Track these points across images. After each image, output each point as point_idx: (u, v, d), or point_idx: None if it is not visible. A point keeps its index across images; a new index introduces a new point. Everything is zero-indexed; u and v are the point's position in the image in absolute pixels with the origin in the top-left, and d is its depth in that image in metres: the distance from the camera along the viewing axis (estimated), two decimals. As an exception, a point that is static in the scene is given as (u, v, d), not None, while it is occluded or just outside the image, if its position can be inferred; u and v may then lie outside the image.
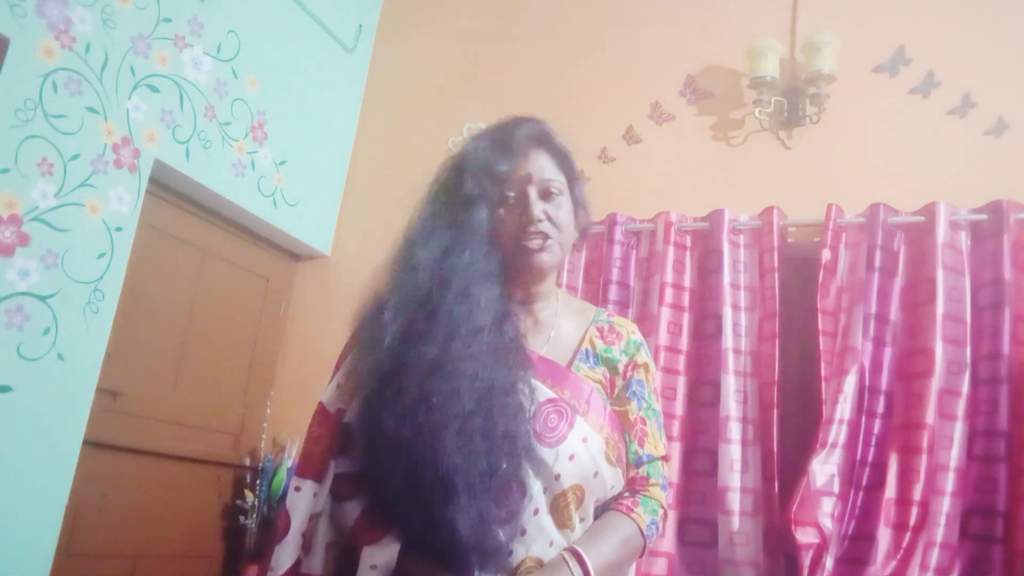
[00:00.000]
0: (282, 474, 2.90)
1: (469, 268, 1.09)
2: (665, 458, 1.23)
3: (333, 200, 3.38)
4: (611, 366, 1.22)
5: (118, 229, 2.41)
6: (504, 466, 1.01)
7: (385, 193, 3.33)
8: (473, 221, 1.13)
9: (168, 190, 2.72)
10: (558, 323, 1.23)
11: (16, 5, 2.12)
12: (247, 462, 3.02)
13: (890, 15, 2.80)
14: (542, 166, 1.18)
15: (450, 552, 0.98)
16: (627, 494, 1.18)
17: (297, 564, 1.08)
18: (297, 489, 1.11)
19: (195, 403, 2.85)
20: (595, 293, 2.74)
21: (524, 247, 1.14)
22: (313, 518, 1.09)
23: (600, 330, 1.25)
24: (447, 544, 0.98)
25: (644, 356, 1.26)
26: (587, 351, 1.22)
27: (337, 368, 1.19)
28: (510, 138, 1.18)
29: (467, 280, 1.08)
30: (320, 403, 1.16)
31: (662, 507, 1.19)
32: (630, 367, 1.23)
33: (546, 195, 1.17)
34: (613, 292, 2.73)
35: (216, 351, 2.94)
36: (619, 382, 1.22)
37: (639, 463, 1.20)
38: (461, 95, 3.34)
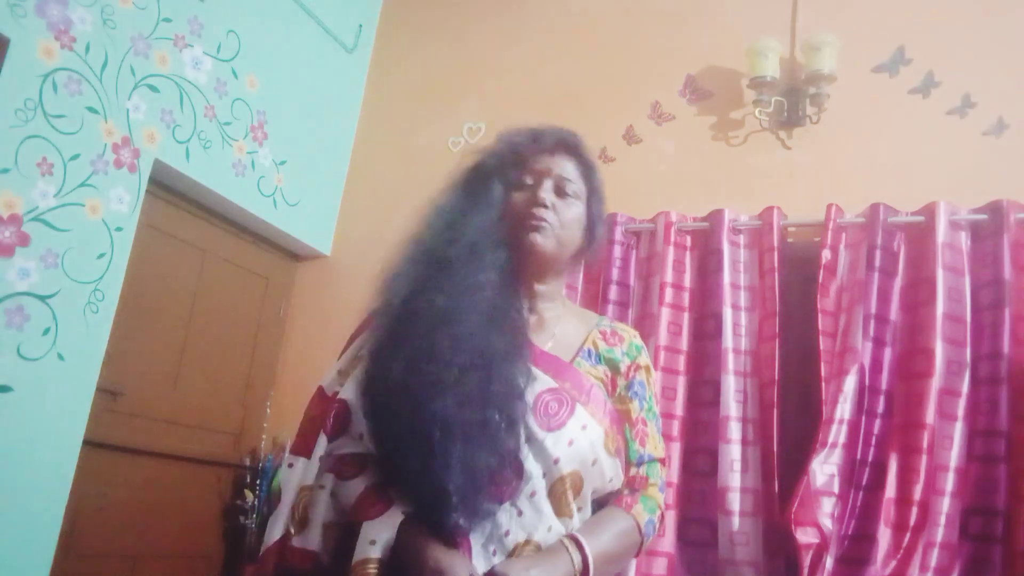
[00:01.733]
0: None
1: (479, 229, 1.15)
2: (663, 461, 1.26)
3: (333, 200, 3.38)
4: (613, 366, 1.25)
5: (118, 229, 2.41)
6: (496, 417, 1.04)
7: (385, 193, 3.34)
8: (490, 193, 1.19)
9: (168, 190, 2.72)
10: (562, 324, 1.26)
11: (16, 5, 2.13)
12: (247, 462, 3.02)
13: (890, 15, 2.80)
14: (564, 166, 1.23)
15: (441, 508, 1.00)
16: (627, 491, 1.20)
17: (286, 536, 1.13)
18: (290, 466, 1.18)
19: (195, 403, 2.85)
20: (595, 293, 2.74)
21: (522, 225, 1.19)
22: (303, 491, 1.14)
23: (603, 333, 1.28)
24: (439, 495, 0.99)
25: (645, 359, 1.30)
26: (589, 350, 1.25)
27: (344, 351, 1.24)
28: (542, 135, 1.25)
29: (475, 239, 1.14)
30: (320, 386, 1.22)
31: (660, 508, 1.21)
32: (632, 368, 1.26)
33: (560, 192, 1.22)
34: (613, 292, 2.73)
35: (216, 351, 2.94)
36: (621, 382, 1.25)
37: (640, 462, 1.22)
38: (461, 95, 3.34)
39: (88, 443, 2.35)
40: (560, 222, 1.20)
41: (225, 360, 3.00)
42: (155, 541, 2.68)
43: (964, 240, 2.45)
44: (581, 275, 2.83)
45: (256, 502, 2.86)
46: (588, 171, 1.27)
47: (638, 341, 1.31)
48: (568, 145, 1.26)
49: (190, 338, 2.82)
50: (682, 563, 2.46)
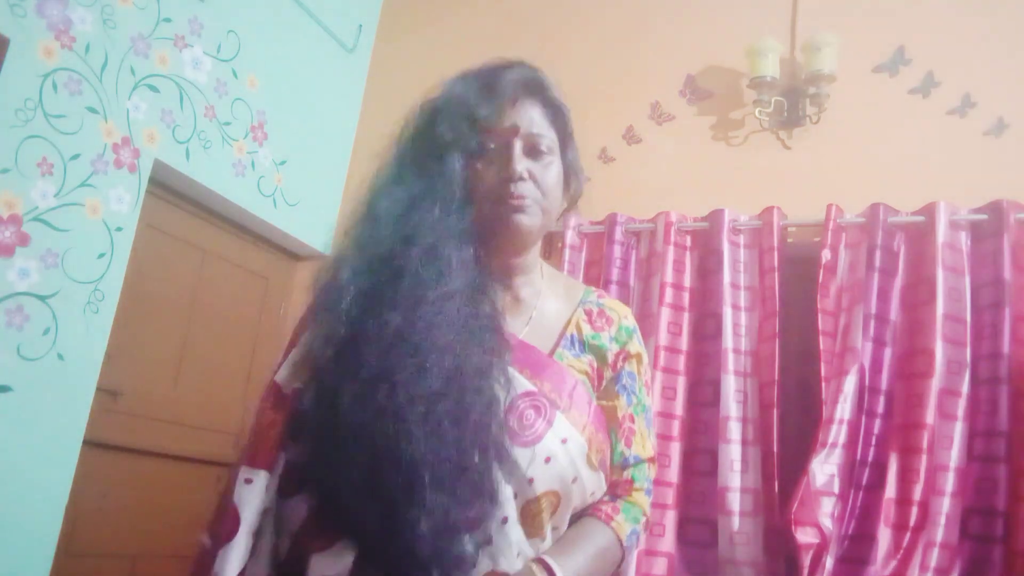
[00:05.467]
0: (282, 474, 2.90)
1: (439, 224, 0.95)
2: (652, 460, 1.11)
3: (333, 200, 3.38)
4: (599, 355, 1.08)
5: (118, 229, 2.41)
6: (476, 460, 0.88)
7: (385, 193, 3.33)
8: (446, 171, 0.99)
9: (168, 190, 2.72)
10: (541, 303, 1.09)
11: (16, 5, 2.12)
12: (247, 462, 3.01)
13: (890, 15, 2.80)
14: (531, 118, 1.03)
15: (409, 561, 0.85)
16: (607, 498, 1.06)
17: (245, 570, 0.91)
18: (248, 481, 0.94)
19: (195, 403, 2.85)
20: (595, 293, 2.75)
21: (500, 206, 0.99)
22: (263, 514, 0.94)
23: (588, 313, 1.11)
24: (406, 551, 0.84)
25: (636, 345, 1.13)
26: (572, 336, 1.08)
27: (293, 342, 1.04)
28: (497, 82, 1.03)
29: (436, 237, 0.94)
30: (273, 382, 1.00)
31: (645, 514, 1.08)
32: (621, 357, 1.10)
33: (533, 152, 1.02)
34: (613, 292, 2.73)
35: (216, 351, 2.94)
36: (607, 373, 1.09)
37: (624, 465, 1.08)
38: (461, 95, 3.33)
39: (88, 443, 2.35)
40: (542, 191, 1.01)
41: (225, 360, 2.99)
42: (155, 541, 2.68)
43: (964, 240, 2.45)
44: (581, 275, 2.83)
45: (256, 502, 2.86)
46: (558, 114, 1.06)
47: (628, 323, 1.13)
48: (532, 87, 1.04)
49: (190, 338, 2.82)
50: (682, 563, 2.46)
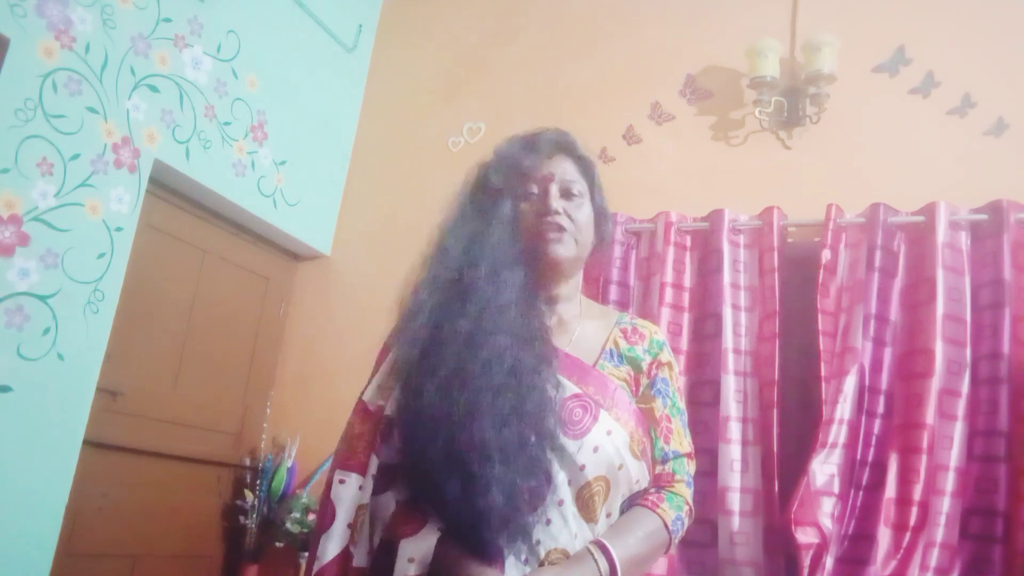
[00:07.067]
0: (282, 474, 2.90)
1: (495, 252, 1.17)
2: (690, 455, 1.27)
3: (333, 200, 3.38)
4: (635, 365, 1.26)
5: (118, 229, 2.41)
6: (532, 439, 1.05)
7: (385, 193, 3.34)
8: (499, 212, 1.21)
9: (168, 190, 2.73)
10: (582, 324, 1.28)
11: (16, 5, 2.13)
12: (247, 462, 3.02)
13: (890, 15, 2.80)
14: (564, 168, 1.25)
15: (484, 528, 1.01)
16: (653, 490, 1.21)
17: (346, 555, 1.10)
18: (342, 482, 1.13)
19: (195, 403, 2.85)
20: (595, 293, 2.74)
21: (540, 236, 1.20)
22: (360, 510, 1.12)
23: (624, 331, 1.29)
24: (481, 519, 1.01)
25: (668, 355, 1.30)
26: (611, 351, 1.26)
27: (377, 366, 1.23)
28: (536, 141, 1.27)
29: (494, 263, 1.16)
30: (361, 400, 1.20)
31: (687, 503, 1.23)
32: (654, 365, 1.27)
33: (567, 194, 1.24)
34: (613, 292, 2.73)
35: (216, 351, 2.94)
36: (643, 380, 1.26)
37: (665, 459, 1.23)
38: (461, 95, 3.34)
39: (88, 443, 2.35)
40: (575, 225, 1.23)
41: (225, 360, 3.00)
42: (155, 541, 2.68)
43: (964, 240, 2.45)
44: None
45: (256, 502, 2.87)
46: (587, 167, 1.29)
47: (659, 337, 1.32)
48: (563, 146, 1.28)
49: (190, 338, 2.82)
50: (682, 563, 2.46)
